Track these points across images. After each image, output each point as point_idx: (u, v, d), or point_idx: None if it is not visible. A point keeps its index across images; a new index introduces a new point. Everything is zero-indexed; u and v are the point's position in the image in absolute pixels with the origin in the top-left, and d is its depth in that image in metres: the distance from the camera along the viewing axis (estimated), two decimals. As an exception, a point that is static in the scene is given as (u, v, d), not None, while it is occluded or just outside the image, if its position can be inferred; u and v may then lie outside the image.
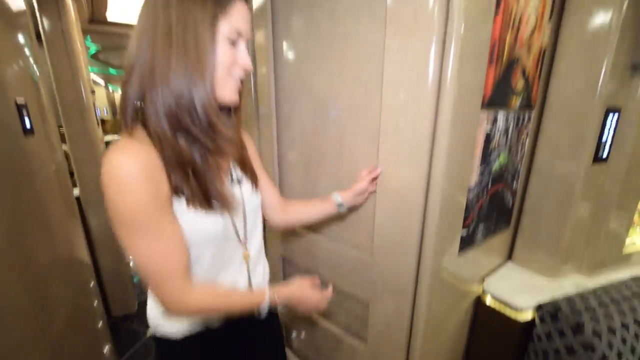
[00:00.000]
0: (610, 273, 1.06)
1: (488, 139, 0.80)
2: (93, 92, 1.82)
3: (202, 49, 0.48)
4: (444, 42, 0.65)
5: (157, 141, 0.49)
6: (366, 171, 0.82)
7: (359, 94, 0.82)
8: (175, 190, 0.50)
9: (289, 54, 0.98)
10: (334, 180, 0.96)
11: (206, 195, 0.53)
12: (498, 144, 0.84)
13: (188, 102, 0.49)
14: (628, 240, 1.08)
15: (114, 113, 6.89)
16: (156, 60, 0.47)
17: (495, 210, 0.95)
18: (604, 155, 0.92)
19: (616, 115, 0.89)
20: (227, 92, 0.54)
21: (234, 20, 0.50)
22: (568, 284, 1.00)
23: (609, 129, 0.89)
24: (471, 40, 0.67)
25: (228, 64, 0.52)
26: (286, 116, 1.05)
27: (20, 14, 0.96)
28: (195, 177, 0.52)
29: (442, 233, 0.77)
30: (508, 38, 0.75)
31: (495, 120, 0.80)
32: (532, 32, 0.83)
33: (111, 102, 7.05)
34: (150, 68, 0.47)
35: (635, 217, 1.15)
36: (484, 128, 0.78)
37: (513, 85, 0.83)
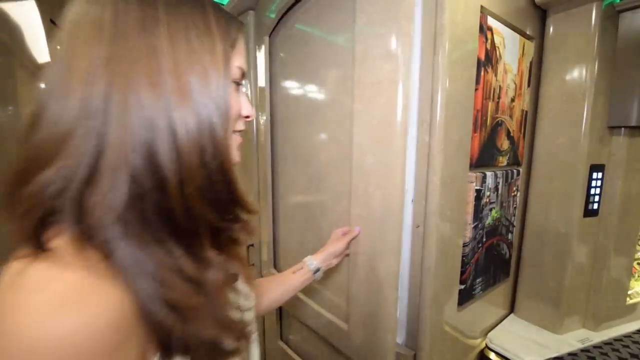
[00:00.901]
0: (616, 326, 1.04)
1: (479, 196, 0.85)
2: None
3: (215, 92, 0.34)
4: (429, 121, 0.72)
5: (125, 260, 0.27)
6: (341, 231, 0.79)
7: (335, 153, 0.89)
8: (165, 354, 0.30)
9: (281, 113, 1.09)
10: (317, 239, 0.98)
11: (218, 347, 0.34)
12: (489, 200, 0.89)
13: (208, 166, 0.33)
14: (631, 291, 1.08)
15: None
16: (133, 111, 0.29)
17: (492, 262, 0.96)
18: (594, 208, 0.96)
19: (600, 172, 0.94)
20: (233, 150, 0.41)
21: (241, 58, 0.39)
22: (573, 339, 0.98)
23: (596, 185, 0.94)
24: (455, 112, 0.74)
25: (236, 114, 0.40)
26: (280, 171, 1.13)
27: None
28: (202, 315, 0.32)
29: (439, 288, 0.78)
30: (490, 106, 0.83)
31: (484, 179, 0.85)
32: (513, 99, 0.91)
33: None
34: (120, 124, 0.28)
35: (635, 265, 1.15)
36: (473, 187, 0.82)
37: (499, 146, 0.89)
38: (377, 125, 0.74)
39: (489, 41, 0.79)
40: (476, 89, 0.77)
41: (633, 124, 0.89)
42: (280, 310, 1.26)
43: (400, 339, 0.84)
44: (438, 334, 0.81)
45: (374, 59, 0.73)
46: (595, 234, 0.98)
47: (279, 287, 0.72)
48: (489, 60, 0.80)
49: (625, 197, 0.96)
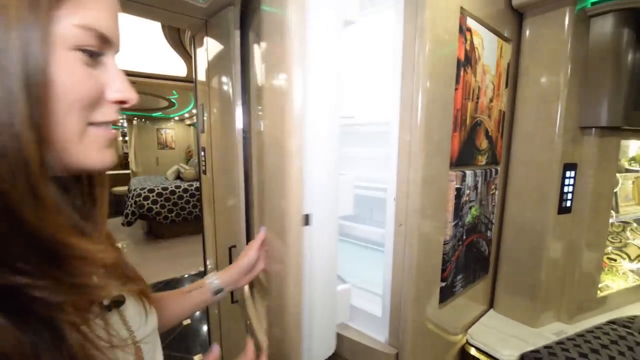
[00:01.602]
0: (588, 318, 1.09)
1: (459, 194, 0.86)
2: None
3: (23, 74, 0.23)
4: (410, 121, 0.73)
5: None
6: (254, 242, 0.69)
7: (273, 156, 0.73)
8: None
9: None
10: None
11: None
12: (469, 199, 0.90)
13: None
14: (601, 284, 1.13)
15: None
16: None
17: (472, 259, 0.98)
18: (568, 205, 0.99)
19: (573, 171, 0.97)
20: (91, 152, 0.30)
21: (89, 15, 0.27)
22: (549, 332, 1.02)
23: (569, 183, 0.97)
24: (435, 112, 0.75)
25: (88, 98, 0.28)
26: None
27: None
28: None
29: (421, 286, 0.79)
30: (469, 106, 0.84)
31: (464, 177, 0.86)
32: (491, 99, 0.93)
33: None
34: None
35: (605, 260, 1.21)
36: (453, 185, 0.84)
37: (478, 145, 0.91)
38: (274, 124, 0.65)
39: (468, 42, 0.80)
40: (456, 89, 0.78)
41: (603, 124, 0.93)
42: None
43: (383, 337, 0.85)
44: (420, 331, 0.82)
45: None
46: (569, 230, 1.02)
47: (166, 304, 0.58)
48: (468, 60, 0.81)
49: (596, 194, 1.00)
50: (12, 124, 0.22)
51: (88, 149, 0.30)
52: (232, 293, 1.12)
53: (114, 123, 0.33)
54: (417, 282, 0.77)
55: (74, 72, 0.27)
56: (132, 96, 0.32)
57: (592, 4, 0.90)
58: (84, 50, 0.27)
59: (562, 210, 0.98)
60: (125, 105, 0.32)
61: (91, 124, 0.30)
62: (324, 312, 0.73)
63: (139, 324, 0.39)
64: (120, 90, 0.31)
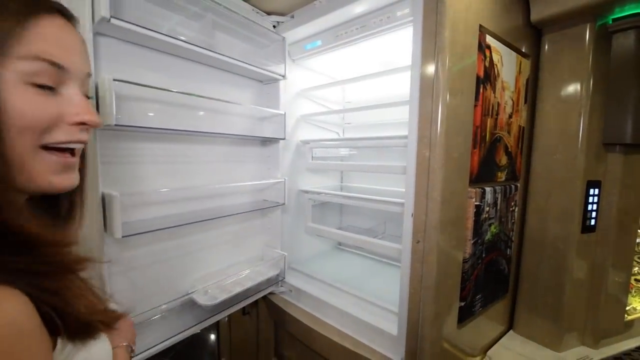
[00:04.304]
0: (615, 343, 1.03)
1: (478, 211, 0.84)
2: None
3: None
4: (429, 137, 0.72)
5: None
6: None
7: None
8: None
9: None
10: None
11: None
12: (489, 216, 0.88)
13: None
14: (628, 308, 1.07)
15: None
16: None
17: (491, 278, 0.95)
18: (592, 224, 0.96)
19: (597, 188, 0.94)
20: (46, 175, 0.33)
21: (42, 46, 0.31)
22: (573, 357, 0.97)
23: (593, 201, 0.94)
24: (455, 128, 0.74)
25: (39, 124, 0.31)
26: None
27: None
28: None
29: (440, 306, 0.77)
30: (489, 122, 0.84)
31: (483, 194, 0.85)
32: (511, 115, 0.92)
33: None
34: None
35: (632, 282, 1.15)
36: (473, 202, 0.82)
37: (498, 162, 0.90)
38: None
39: (488, 59, 0.80)
40: (475, 106, 0.78)
41: (628, 141, 0.90)
42: (275, 326, 1.23)
43: (399, 356, 0.82)
44: (438, 352, 0.79)
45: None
46: (593, 249, 0.98)
47: None
48: (487, 77, 0.81)
49: (621, 213, 0.97)
50: None
51: (44, 172, 0.33)
52: (244, 308, 1.12)
53: (81, 142, 0.36)
54: (436, 301, 0.75)
55: (24, 102, 0.30)
56: (90, 118, 0.35)
57: (614, 20, 0.89)
58: (37, 85, 0.31)
59: (586, 229, 0.95)
60: (86, 127, 0.36)
61: (46, 147, 0.33)
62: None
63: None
64: (79, 113, 0.34)
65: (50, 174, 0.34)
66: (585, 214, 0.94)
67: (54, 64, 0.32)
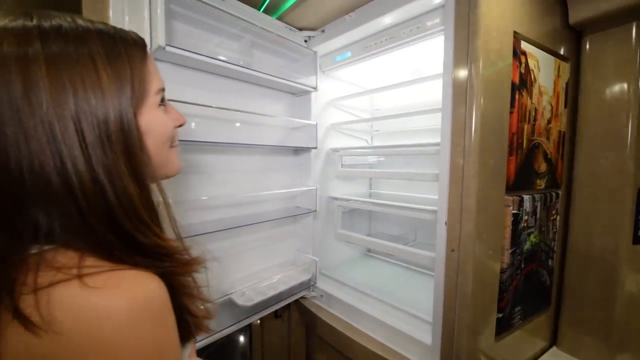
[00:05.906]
0: (677, 366, 0.94)
1: (516, 220, 0.82)
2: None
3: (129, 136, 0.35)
4: (463, 145, 0.72)
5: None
6: None
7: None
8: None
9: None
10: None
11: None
12: (528, 225, 0.85)
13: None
14: (693, 327, 0.97)
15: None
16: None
17: (532, 290, 0.91)
18: (645, 235, 0.89)
19: (650, 196, 0.88)
20: (173, 163, 0.44)
21: (158, 78, 0.41)
22: (627, 379, 0.90)
23: (645, 209, 0.88)
24: (490, 136, 0.73)
25: (170, 134, 0.42)
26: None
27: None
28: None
29: (476, 316, 0.75)
30: (526, 129, 0.82)
31: (521, 202, 0.82)
32: (549, 120, 0.89)
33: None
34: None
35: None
36: (510, 211, 0.80)
37: (536, 169, 0.87)
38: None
39: (523, 65, 0.78)
40: (511, 112, 0.77)
41: (685, 145, 0.83)
42: (306, 330, 1.26)
43: (433, 367, 0.81)
44: (475, 364, 0.77)
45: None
46: (648, 262, 0.91)
47: None
48: (523, 83, 0.79)
49: (680, 223, 0.89)
50: (120, 177, 0.34)
51: (175, 161, 0.45)
52: (276, 311, 1.15)
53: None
54: (473, 311, 0.74)
55: (165, 120, 0.41)
56: (184, 120, 0.46)
57: (664, 17, 0.84)
58: (158, 102, 0.40)
59: (638, 239, 0.89)
60: (184, 122, 0.46)
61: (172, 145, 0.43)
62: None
63: None
64: (178, 118, 0.45)
65: (175, 160, 0.45)
66: (637, 224, 0.88)
67: (164, 89, 0.42)
